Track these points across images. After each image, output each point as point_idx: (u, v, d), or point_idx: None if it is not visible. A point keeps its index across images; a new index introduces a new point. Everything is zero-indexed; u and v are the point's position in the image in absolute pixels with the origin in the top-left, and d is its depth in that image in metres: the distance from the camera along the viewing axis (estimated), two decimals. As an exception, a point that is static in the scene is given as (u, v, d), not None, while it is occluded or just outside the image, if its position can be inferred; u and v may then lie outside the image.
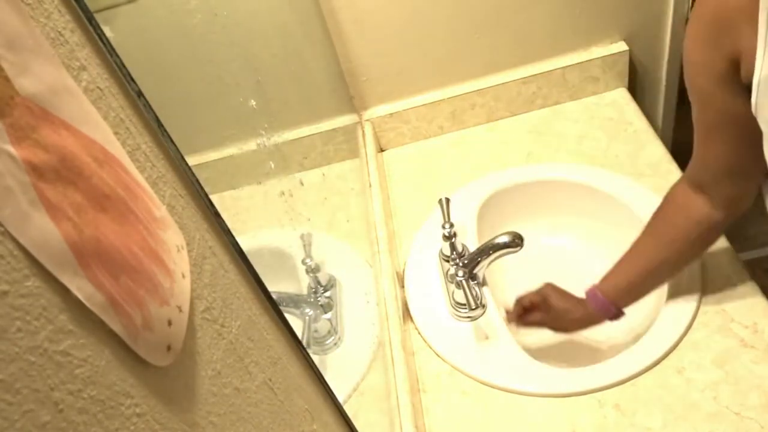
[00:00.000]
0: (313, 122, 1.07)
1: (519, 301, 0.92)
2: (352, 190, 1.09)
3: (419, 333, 0.93)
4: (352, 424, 0.61)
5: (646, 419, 0.77)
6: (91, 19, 0.32)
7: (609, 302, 0.83)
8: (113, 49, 0.33)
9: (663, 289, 0.88)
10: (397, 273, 1.00)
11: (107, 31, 0.33)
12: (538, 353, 0.93)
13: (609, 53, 1.16)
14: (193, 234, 0.38)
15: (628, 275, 0.83)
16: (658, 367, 0.81)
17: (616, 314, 0.84)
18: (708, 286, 0.87)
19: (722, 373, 0.78)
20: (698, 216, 0.75)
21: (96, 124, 0.30)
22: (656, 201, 0.97)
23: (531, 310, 0.91)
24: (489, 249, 0.91)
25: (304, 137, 1.04)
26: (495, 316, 0.91)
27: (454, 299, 0.94)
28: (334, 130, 1.11)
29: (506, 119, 1.23)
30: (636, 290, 0.84)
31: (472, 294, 0.88)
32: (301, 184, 0.94)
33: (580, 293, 1.02)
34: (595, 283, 0.85)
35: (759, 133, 0.62)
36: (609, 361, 0.83)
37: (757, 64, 0.57)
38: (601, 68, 1.17)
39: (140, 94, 0.35)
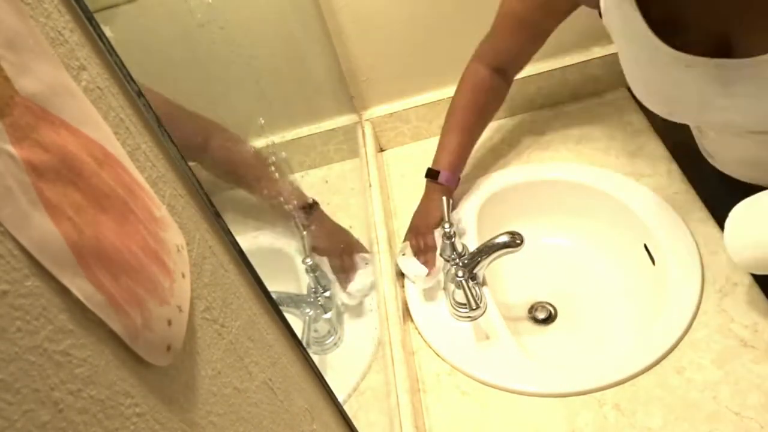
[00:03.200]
0: (313, 122, 1.07)
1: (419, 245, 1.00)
2: (352, 190, 1.09)
3: (419, 333, 0.93)
4: (352, 424, 0.61)
5: (646, 419, 0.76)
6: (90, 18, 0.32)
7: (454, 175, 1.02)
8: (113, 49, 0.33)
9: (663, 290, 0.88)
10: (397, 273, 1.00)
11: (107, 31, 0.33)
12: (538, 353, 0.93)
13: (609, 53, 1.16)
14: (193, 234, 0.38)
15: (454, 145, 1.02)
16: (658, 367, 0.81)
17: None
18: (708, 286, 0.87)
19: (722, 373, 0.78)
20: (500, 90, 1.03)
21: (96, 124, 0.30)
22: (656, 201, 0.98)
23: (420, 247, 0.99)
24: (489, 249, 0.91)
25: (304, 137, 1.04)
26: (495, 316, 0.91)
27: (454, 299, 0.94)
28: (334, 130, 1.11)
29: (506, 119, 1.23)
30: (463, 156, 1.04)
31: (472, 294, 0.88)
32: (300, 182, 0.94)
33: (580, 293, 1.03)
34: (436, 169, 1.02)
35: (547, 35, 0.92)
36: (609, 361, 0.83)
37: None
38: (601, 68, 1.17)
39: (140, 93, 0.35)
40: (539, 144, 1.15)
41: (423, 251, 0.98)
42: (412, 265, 0.98)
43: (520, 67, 1.01)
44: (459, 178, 1.03)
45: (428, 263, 0.97)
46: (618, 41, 0.79)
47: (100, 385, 0.26)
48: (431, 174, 1.02)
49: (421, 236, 0.99)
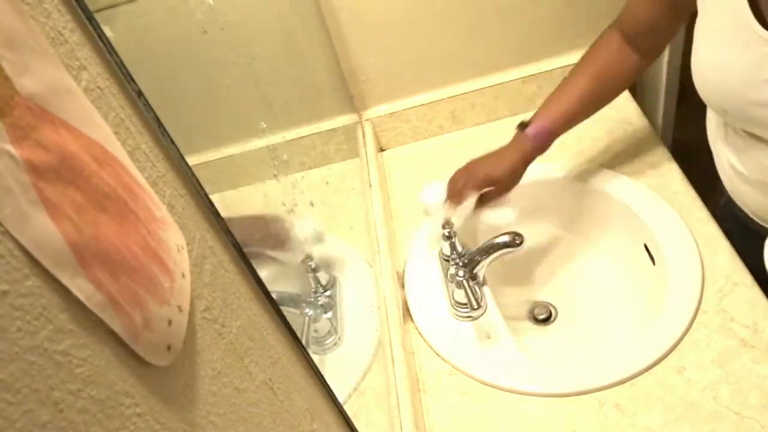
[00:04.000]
0: (313, 122, 1.07)
1: (456, 190, 0.93)
2: (352, 190, 1.09)
3: (419, 333, 0.93)
4: (352, 424, 0.61)
5: (646, 419, 0.76)
6: (90, 18, 0.32)
7: (547, 133, 0.89)
8: (113, 49, 0.33)
9: (663, 290, 0.88)
10: (397, 273, 1.00)
11: (107, 31, 0.33)
12: (538, 353, 0.93)
13: (609, 53, 1.15)
14: (193, 234, 0.38)
15: (562, 106, 0.89)
16: (658, 367, 0.81)
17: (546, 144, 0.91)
18: (708, 286, 0.87)
19: (722, 373, 0.78)
20: (629, 62, 0.89)
21: (96, 124, 0.30)
22: (656, 201, 0.98)
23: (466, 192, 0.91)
24: (489, 249, 0.91)
25: (304, 137, 1.04)
26: (495, 316, 0.91)
27: (454, 299, 0.94)
28: (334, 129, 1.11)
29: (506, 119, 1.23)
30: (568, 121, 0.91)
31: (472, 294, 0.88)
32: (301, 183, 0.94)
33: (580, 293, 1.02)
34: (530, 121, 0.90)
35: (681, 8, 0.80)
36: (609, 361, 0.83)
37: None
38: (601, 68, 1.17)
39: (140, 93, 0.35)
40: (539, 144, 1.15)
41: (457, 190, 0.91)
42: (433, 191, 0.91)
43: (659, 45, 0.89)
44: (550, 143, 0.91)
45: (454, 199, 0.91)
46: (706, 17, 0.72)
47: (100, 385, 0.26)
48: (522, 125, 0.91)
49: (466, 176, 0.92)
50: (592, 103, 0.91)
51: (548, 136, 0.89)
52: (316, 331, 0.86)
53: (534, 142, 0.89)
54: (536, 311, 1.01)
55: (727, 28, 0.69)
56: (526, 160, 0.91)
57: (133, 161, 0.32)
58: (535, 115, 0.90)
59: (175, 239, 0.35)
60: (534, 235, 1.01)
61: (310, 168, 1.06)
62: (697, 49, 0.74)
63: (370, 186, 1.11)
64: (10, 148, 0.23)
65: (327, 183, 1.04)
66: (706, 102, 0.77)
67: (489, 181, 0.91)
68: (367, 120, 1.21)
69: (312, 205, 0.92)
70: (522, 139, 0.90)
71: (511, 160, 0.90)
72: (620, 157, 1.08)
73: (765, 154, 0.74)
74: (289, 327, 0.50)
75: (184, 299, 0.34)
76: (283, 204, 0.84)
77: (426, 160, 1.20)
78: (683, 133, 1.21)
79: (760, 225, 0.84)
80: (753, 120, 0.71)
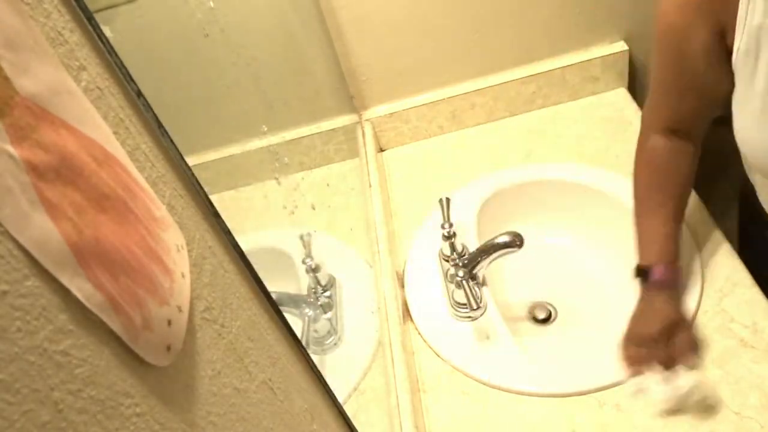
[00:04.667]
0: (313, 122, 1.07)
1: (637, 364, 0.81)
2: (352, 190, 1.09)
3: (419, 333, 0.93)
4: (352, 424, 0.61)
5: (646, 419, 0.76)
6: (90, 18, 0.32)
7: (666, 267, 0.82)
8: (113, 49, 0.33)
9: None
10: (397, 273, 1.00)
11: (107, 31, 0.33)
12: (538, 353, 0.93)
13: (609, 53, 1.16)
14: (193, 234, 0.38)
15: (664, 236, 0.83)
16: (658, 367, 0.80)
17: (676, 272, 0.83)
18: (708, 286, 0.87)
19: (722, 373, 0.78)
20: (684, 152, 0.83)
21: (96, 124, 0.30)
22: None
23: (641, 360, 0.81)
24: (489, 249, 0.91)
25: (304, 137, 1.04)
26: (495, 316, 0.91)
27: (454, 299, 0.94)
28: (334, 130, 1.11)
29: (506, 119, 1.23)
30: (667, 241, 0.83)
31: (472, 294, 0.88)
32: (301, 184, 0.94)
33: (580, 293, 1.02)
34: (645, 264, 0.83)
35: (706, 90, 0.76)
36: (609, 361, 0.83)
37: (737, 35, 0.68)
38: (601, 68, 1.17)
39: (140, 93, 0.35)
40: (539, 144, 1.15)
41: (643, 361, 0.80)
42: (654, 386, 0.78)
43: (699, 126, 0.83)
44: (680, 270, 0.84)
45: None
46: (745, 94, 0.70)
47: (100, 385, 0.26)
48: (641, 273, 0.83)
49: (640, 347, 0.81)
50: (677, 210, 0.85)
51: (673, 267, 0.83)
52: (316, 331, 0.86)
53: (664, 279, 0.82)
54: (536, 311, 1.01)
55: None
56: (675, 305, 0.83)
57: (132, 161, 0.32)
58: (643, 255, 0.84)
59: (175, 239, 0.35)
60: (534, 235, 1.01)
61: (310, 168, 1.06)
62: (744, 121, 0.71)
63: (370, 186, 1.11)
64: (10, 148, 0.23)
65: (327, 185, 1.04)
66: (759, 171, 0.76)
67: (655, 339, 0.82)
68: (367, 120, 1.21)
69: (313, 208, 0.92)
70: (655, 288, 0.82)
71: (660, 311, 0.82)
72: (620, 157, 1.08)
73: None
74: (289, 327, 0.50)
75: (184, 299, 0.34)
76: (285, 207, 0.84)
77: (426, 160, 1.20)
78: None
79: None
80: None
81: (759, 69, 0.68)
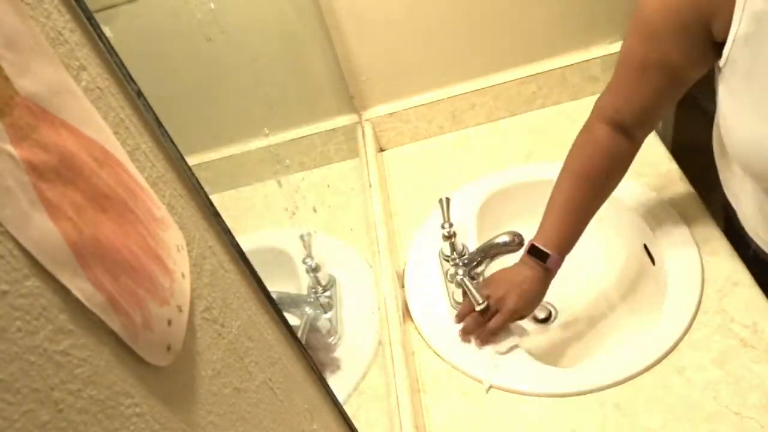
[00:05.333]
0: (313, 122, 1.07)
1: (465, 314, 0.90)
2: (352, 190, 1.09)
3: (419, 333, 0.93)
4: (352, 424, 0.61)
5: (646, 419, 0.76)
6: (90, 18, 0.32)
7: (556, 255, 0.85)
8: (113, 49, 0.33)
9: (663, 290, 0.88)
10: (397, 273, 1.00)
11: (107, 31, 0.33)
12: (538, 353, 0.93)
13: (609, 53, 1.16)
14: (193, 234, 0.38)
15: (563, 223, 0.85)
16: (658, 367, 0.81)
17: (558, 262, 0.86)
18: (708, 286, 0.87)
19: (722, 373, 0.78)
20: (621, 154, 0.83)
21: (96, 124, 0.30)
22: (656, 201, 0.98)
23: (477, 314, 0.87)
24: (489, 249, 0.91)
25: (304, 137, 1.04)
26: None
27: (454, 299, 0.94)
28: (334, 130, 1.11)
29: (506, 119, 1.23)
30: (572, 235, 0.86)
31: (473, 293, 0.88)
32: (301, 184, 0.94)
33: (580, 293, 1.02)
34: (533, 241, 0.86)
35: (681, 87, 0.74)
36: (609, 361, 0.83)
37: (734, 21, 0.64)
38: (601, 68, 1.17)
39: (140, 93, 0.35)
40: (539, 144, 1.15)
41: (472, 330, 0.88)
42: None
43: (650, 125, 0.82)
44: (559, 261, 0.87)
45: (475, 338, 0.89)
46: (741, 85, 0.67)
47: (100, 385, 0.26)
48: (537, 253, 0.85)
49: (495, 305, 0.87)
50: (591, 207, 0.86)
51: (562, 260, 0.87)
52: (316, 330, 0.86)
53: (553, 269, 0.87)
54: (536, 311, 1.01)
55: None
56: (546, 290, 0.88)
57: (132, 161, 0.32)
58: (544, 237, 0.86)
59: (175, 239, 0.35)
60: (534, 235, 1.01)
61: (310, 168, 1.06)
62: (734, 125, 0.69)
63: (370, 186, 1.11)
64: (10, 148, 0.23)
65: (328, 186, 1.04)
66: (749, 172, 0.73)
67: (516, 318, 0.89)
68: (367, 120, 1.21)
69: (315, 210, 0.92)
70: (539, 270, 0.86)
71: (537, 296, 0.88)
72: (620, 157, 1.07)
73: None
74: (289, 327, 0.50)
75: (184, 299, 0.34)
76: (286, 209, 0.84)
77: (426, 160, 1.20)
78: (683, 134, 1.21)
79: None
80: None
81: (763, 57, 0.63)
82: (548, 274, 0.87)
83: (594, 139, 0.83)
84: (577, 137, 0.85)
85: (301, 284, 0.90)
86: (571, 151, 0.85)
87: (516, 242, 0.89)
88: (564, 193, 0.85)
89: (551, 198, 0.86)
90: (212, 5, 0.72)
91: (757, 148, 0.67)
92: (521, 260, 0.88)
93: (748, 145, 0.68)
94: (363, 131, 1.20)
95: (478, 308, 0.89)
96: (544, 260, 0.85)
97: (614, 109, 0.81)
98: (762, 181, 0.74)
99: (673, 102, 0.78)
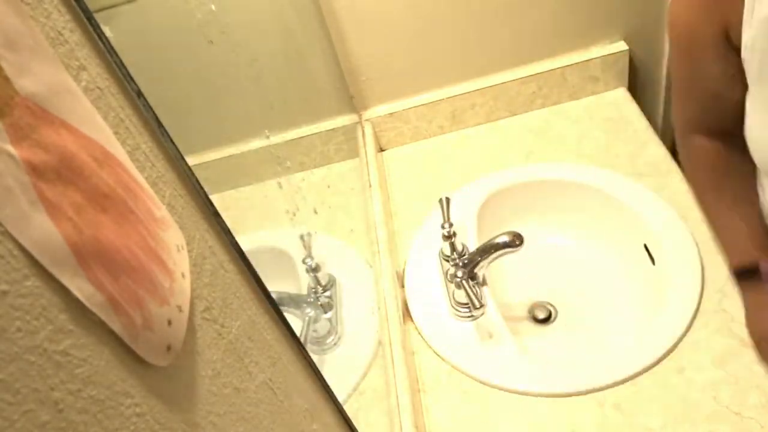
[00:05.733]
0: (313, 122, 1.07)
1: None
2: (352, 190, 1.09)
3: (419, 333, 0.93)
4: (352, 424, 0.61)
5: (646, 419, 0.76)
6: (90, 18, 0.32)
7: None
8: (113, 49, 0.33)
9: (663, 290, 0.88)
10: (397, 273, 1.00)
11: (107, 31, 0.33)
12: (538, 353, 0.93)
13: (609, 53, 1.16)
14: (193, 234, 0.38)
15: (753, 229, 0.79)
16: (658, 367, 0.81)
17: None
18: (708, 286, 0.87)
19: (722, 373, 0.78)
20: (737, 151, 0.77)
21: (96, 124, 0.30)
22: (656, 201, 0.98)
23: None
24: (489, 249, 0.91)
25: (304, 137, 1.04)
26: (495, 315, 0.91)
27: (454, 299, 0.94)
28: (334, 129, 1.11)
29: (506, 119, 1.23)
30: (763, 233, 0.79)
31: (473, 293, 0.88)
32: (301, 184, 0.94)
33: (580, 293, 1.02)
34: (745, 263, 0.79)
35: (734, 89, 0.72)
36: (609, 361, 0.83)
37: (744, 28, 0.66)
38: (601, 68, 1.17)
39: (140, 93, 0.35)
40: (539, 144, 1.15)
41: None
42: None
43: (733, 124, 0.77)
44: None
45: None
46: (754, 88, 0.68)
47: (100, 385, 0.26)
48: (743, 274, 0.79)
49: None
50: (743, 201, 0.80)
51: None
52: (315, 331, 0.86)
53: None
54: (536, 311, 1.01)
55: None
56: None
57: (132, 161, 0.32)
58: (736, 251, 0.81)
59: (175, 239, 0.35)
60: (534, 235, 1.01)
61: (310, 168, 1.06)
62: (754, 119, 0.70)
63: (370, 186, 1.11)
64: (10, 148, 0.23)
65: (328, 187, 1.04)
66: (764, 170, 0.74)
67: None
68: (367, 120, 1.21)
69: (316, 212, 0.92)
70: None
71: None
72: (620, 157, 1.08)
73: None
74: (289, 327, 0.50)
75: (184, 299, 0.34)
76: (287, 211, 0.84)
77: (426, 160, 1.21)
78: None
79: None
80: None
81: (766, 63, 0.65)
82: None
83: (701, 148, 0.82)
84: (687, 161, 0.85)
85: (301, 284, 0.90)
86: (690, 175, 0.86)
87: (516, 242, 0.89)
88: (716, 207, 0.83)
89: (711, 224, 0.83)
90: (212, 6, 0.72)
91: None
92: (750, 299, 0.80)
93: (763, 143, 0.70)
94: (363, 131, 1.20)
95: (476, 310, 0.90)
96: (752, 276, 0.78)
97: (698, 121, 0.81)
98: None
99: (742, 102, 0.75)
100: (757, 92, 0.68)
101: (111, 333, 0.27)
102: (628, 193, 1.00)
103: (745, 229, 0.79)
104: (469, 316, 0.92)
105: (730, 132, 0.78)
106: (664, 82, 1.22)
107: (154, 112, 0.36)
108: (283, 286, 0.87)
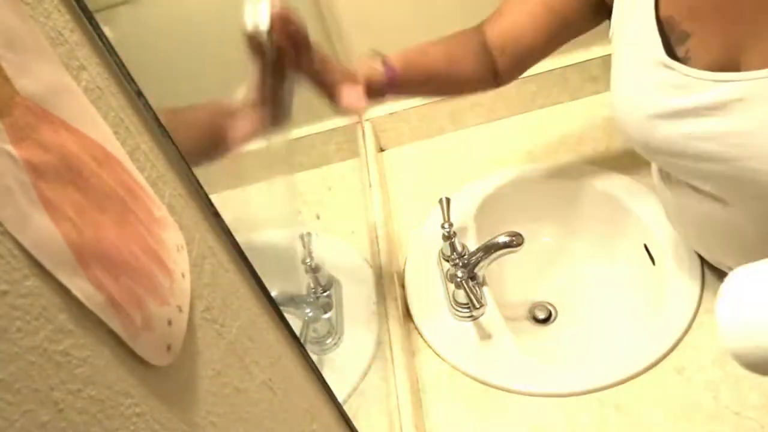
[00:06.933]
0: (313, 122, 1.07)
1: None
2: (352, 190, 1.09)
3: (419, 333, 0.93)
4: (352, 424, 0.61)
5: (646, 419, 0.76)
6: (90, 18, 0.32)
7: (392, 69, 0.75)
8: (113, 49, 0.33)
9: (663, 290, 0.88)
10: (397, 273, 1.00)
11: (107, 31, 0.33)
12: (538, 353, 0.93)
13: (609, 53, 1.15)
14: (193, 234, 0.38)
15: (412, 55, 0.78)
16: (658, 367, 0.81)
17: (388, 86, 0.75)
18: (708, 286, 0.87)
19: (722, 373, 0.78)
20: (480, 60, 0.80)
21: (96, 124, 0.30)
22: (656, 201, 0.97)
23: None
24: (489, 249, 0.91)
25: (304, 137, 1.04)
26: (495, 315, 0.91)
27: (454, 299, 0.94)
28: (333, 129, 1.11)
29: (506, 119, 1.23)
30: (414, 73, 0.77)
31: (474, 293, 0.88)
32: (301, 184, 0.94)
33: (580, 293, 1.02)
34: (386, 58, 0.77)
35: (560, 26, 0.75)
36: (609, 361, 0.83)
37: None
38: (601, 68, 1.17)
39: (140, 93, 0.35)
40: (539, 144, 1.15)
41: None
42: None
43: (521, 68, 0.82)
44: (392, 83, 0.75)
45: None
46: (619, 54, 0.72)
47: (100, 385, 0.26)
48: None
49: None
50: (439, 75, 0.80)
51: (393, 72, 0.76)
52: (315, 331, 0.86)
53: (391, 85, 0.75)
54: (536, 311, 1.01)
55: (638, 60, 0.68)
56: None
57: (132, 161, 0.32)
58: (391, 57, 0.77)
59: (175, 239, 0.35)
60: (534, 235, 1.01)
61: (310, 168, 1.06)
62: (614, 88, 0.72)
63: (370, 186, 1.11)
64: (10, 148, 0.23)
65: (329, 188, 1.04)
66: (628, 139, 0.74)
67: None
68: (367, 120, 1.21)
69: (315, 211, 0.92)
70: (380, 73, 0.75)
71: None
72: (620, 157, 1.08)
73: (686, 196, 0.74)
74: (289, 327, 0.50)
75: (184, 299, 0.34)
76: (287, 212, 0.84)
77: (426, 160, 1.20)
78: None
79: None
80: (660, 149, 0.70)
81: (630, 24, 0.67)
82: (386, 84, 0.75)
83: (474, 39, 0.82)
84: (466, 31, 0.84)
85: (301, 284, 0.90)
86: (456, 33, 0.84)
87: (516, 242, 0.89)
88: (431, 48, 0.81)
89: (419, 46, 0.80)
90: (212, 5, 0.72)
91: (631, 111, 0.69)
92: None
93: (627, 111, 0.70)
94: (363, 131, 1.20)
95: (476, 310, 0.90)
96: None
97: (496, 31, 0.80)
98: (648, 152, 0.73)
99: (547, 42, 0.78)
100: (618, 61, 0.70)
101: (111, 333, 0.27)
102: (628, 193, 1.00)
103: (414, 57, 0.78)
104: (469, 316, 0.92)
105: (508, 56, 0.79)
106: (664, 82, 1.22)
107: (154, 112, 0.36)
108: (283, 286, 0.87)
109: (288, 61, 0.66)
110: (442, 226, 0.96)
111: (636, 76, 0.69)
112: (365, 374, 0.83)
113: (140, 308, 0.29)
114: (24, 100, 0.24)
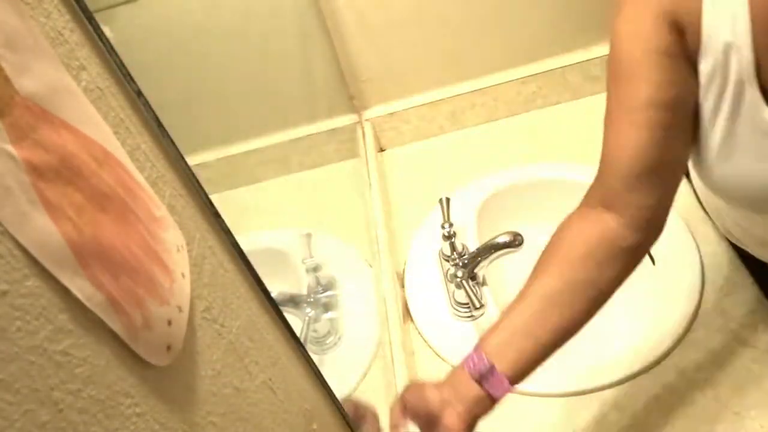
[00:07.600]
0: (313, 122, 1.07)
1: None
2: (352, 190, 1.09)
3: (419, 333, 0.93)
4: (352, 424, 0.61)
5: (646, 419, 0.76)
6: (90, 18, 0.32)
7: (486, 363, 0.61)
8: (113, 49, 0.33)
9: (663, 290, 0.88)
10: (397, 273, 1.00)
11: (107, 31, 0.33)
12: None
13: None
14: (193, 234, 0.38)
15: (523, 331, 0.62)
16: (658, 367, 0.81)
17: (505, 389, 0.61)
18: (708, 286, 0.86)
19: (722, 374, 0.78)
20: (604, 233, 0.62)
21: (96, 124, 0.30)
22: (656, 201, 0.98)
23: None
24: (489, 249, 0.91)
25: (304, 137, 1.04)
26: (495, 315, 0.91)
27: (454, 299, 0.94)
28: (333, 130, 1.11)
29: (506, 119, 1.23)
30: (527, 349, 0.62)
31: (474, 293, 0.88)
32: (301, 184, 0.94)
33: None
34: (490, 369, 0.62)
35: (686, 123, 0.58)
36: (609, 361, 0.83)
37: (702, 54, 0.55)
38: (601, 68, 1.17)
39: (140, 93, 0.35)
40: (539, 144, 1.15)
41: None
42: None
43: (657, 214, 0.65)
44: (506, 384, 0.62)
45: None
46: (717, 132, 0.59)
47: (100, 385, 0.26)
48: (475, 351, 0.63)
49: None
50: (568, 315, 0.63)
51: (499, 375, 0.62)
52: (315, 331, 0.86)
53: (475, 373, 0.62)
54: (536, 311, 1.01)
55: (752, 136, 0.56)
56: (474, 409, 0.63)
57: (132, 161, 0.32)
58: (484, 336, 0.63)
59: (175, 239, 0.35)
60: (534, 235, 1.01)
61: (311, 168, 1.06)
62: (716, 165, 0.61)
63: (370, 186, 1.11)
64: (10, 148, 0.23)
65: (328, 186, 1.04)
66: (739, 204, 0.65)
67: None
68: (367, 120, 1.21)
69: (316, 213, 0.92)
70: (462, 377, 0.62)
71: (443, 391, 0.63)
72: (620, 157, 1.07)
73: None
74: (289, 327, 0.50)
75: (184, 299, 0.34)
76: (287, 212, 0.84)
77: (426, 160, 1.20)
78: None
79: None
80: None
81: (725, 98, 0.55)
82: (467, 381, 0.62)
83: (570, 228, 0.65)
84: (561, 228, 0.67)
85: (301, 284, 0.90)
86: (552, 239, 0.66)
87: (516, 242, 0.89)
88: (533, 286, 0.64)
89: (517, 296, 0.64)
90: (212, 5, 0.72)
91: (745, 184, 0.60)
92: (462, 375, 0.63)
93: (737, 184, 0.63)
94: (363, 131, 1.20)
95: (476, 310, 0.90)
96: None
97: (597, 185, 0.64)
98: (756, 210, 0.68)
99: (673, 150, 0.61)
100: (722, 127, 0.57)
101: (111, 333, 0.27)
102: (628, 193, 1.00)
103: (516, 326, 0.63)
104: (469, 316, 0.92)
105: (648, 221, 0.62)
106: (664, 82, 1.21)
107: (154, 112, 0.36)
108: (283, 286, 0.87)
109: None
110: (442, 226, 0.96)
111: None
112: (365, 374, 0.83)
113: (140, 308, 0.29)
114: (24, 100, 0.24)
